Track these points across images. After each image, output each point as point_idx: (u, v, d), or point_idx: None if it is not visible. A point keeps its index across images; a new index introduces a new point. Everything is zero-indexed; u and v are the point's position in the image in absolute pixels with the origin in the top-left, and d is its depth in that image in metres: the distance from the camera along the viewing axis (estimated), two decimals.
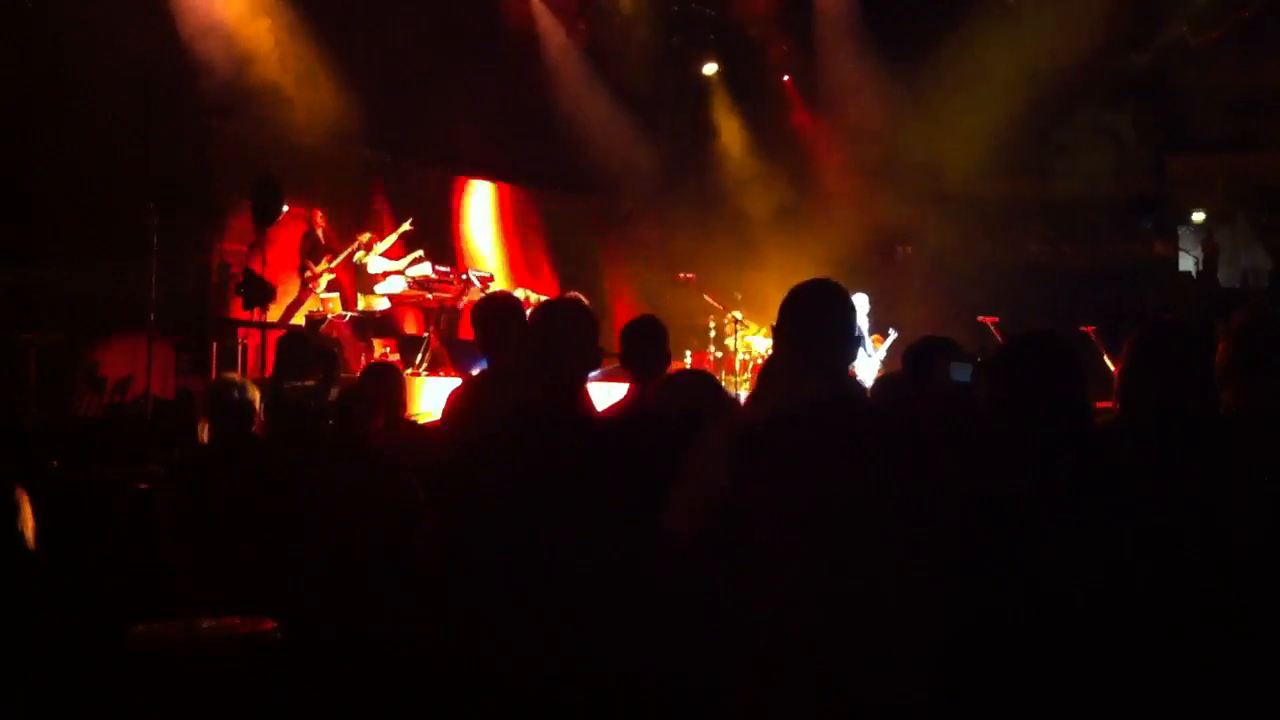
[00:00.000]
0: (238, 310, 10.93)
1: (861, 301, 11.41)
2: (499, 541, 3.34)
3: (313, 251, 11.75)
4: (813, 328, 2.94)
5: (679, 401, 3.84)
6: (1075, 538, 2.84)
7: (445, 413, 4.42)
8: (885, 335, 12.18)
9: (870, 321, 11.79)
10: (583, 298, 5.35)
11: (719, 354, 13.20)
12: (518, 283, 14.37)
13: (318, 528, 4.74)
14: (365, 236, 11.92)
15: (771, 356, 11.51)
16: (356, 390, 5.24)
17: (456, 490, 3.51)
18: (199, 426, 5.37)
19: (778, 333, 3.00)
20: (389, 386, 5.25)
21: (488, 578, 3.34)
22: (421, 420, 6.82)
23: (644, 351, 4.35)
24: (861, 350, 11.34)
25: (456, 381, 10.10)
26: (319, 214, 12.03)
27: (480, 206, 15.28)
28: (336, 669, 4.49)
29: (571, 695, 3.24)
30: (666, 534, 2.89)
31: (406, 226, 12.12)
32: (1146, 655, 2.80)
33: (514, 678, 3.28)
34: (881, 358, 12.07)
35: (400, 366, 8.63)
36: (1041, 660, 2.81)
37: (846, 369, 2.99)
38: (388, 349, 12.31)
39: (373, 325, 11.80)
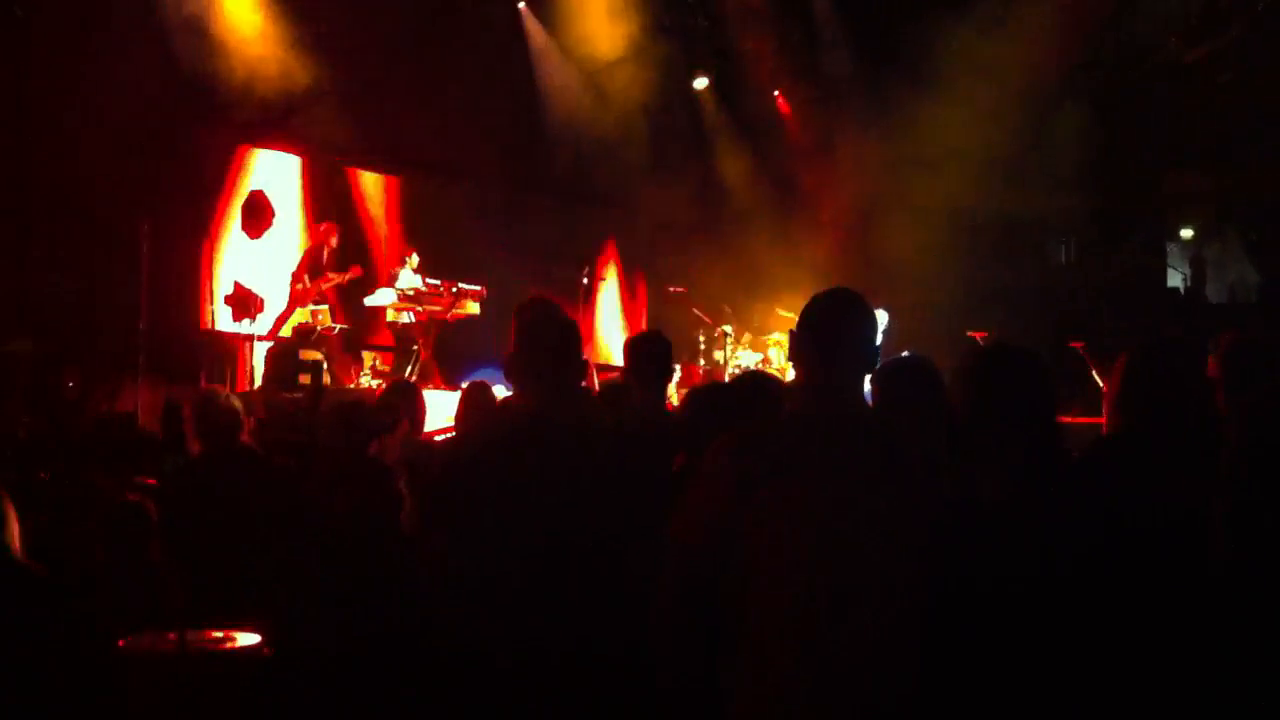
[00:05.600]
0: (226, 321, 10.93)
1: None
2: (512, 551, 3.36)
3: (314, 269, 11.70)
4: (831, 336, 2.94)
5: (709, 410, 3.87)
6: (1037, 546, 2.87)
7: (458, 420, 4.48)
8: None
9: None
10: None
11: (708, 367, 13.23)
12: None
13: (310, 539, 4.73)
14: (353, 274, 11.99)
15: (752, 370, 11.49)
16: (354, 405, 5.25)
17: (467, 501, 3.52)
18: (187, 438, 5.36)
19: (794, 339, 3.01)
20: (409, 405, 5.27)
21: (497, 590, 3.35)
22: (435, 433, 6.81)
23: (648, 364, 4.46)
24: None
25: (445, 393, 10.12)
26: (334, 232, 12.00)
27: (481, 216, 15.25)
28: (327, 683, 4.48)
29: (581, 700, 3.26)
30: (674, 544, 2.90)
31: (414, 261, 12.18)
32: (1120, 662, 2.83)
33: (519, 689, 3.29)
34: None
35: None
36: (1020, 666, 2.84)
37: (861, 379, 3.00)
38: (376, 360, 12.31)
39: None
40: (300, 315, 11.51)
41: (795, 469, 2.79)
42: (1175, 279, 17.20)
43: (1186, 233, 17.67)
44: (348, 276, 11.80)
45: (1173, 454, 3.07)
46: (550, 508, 3.38)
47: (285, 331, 11.36)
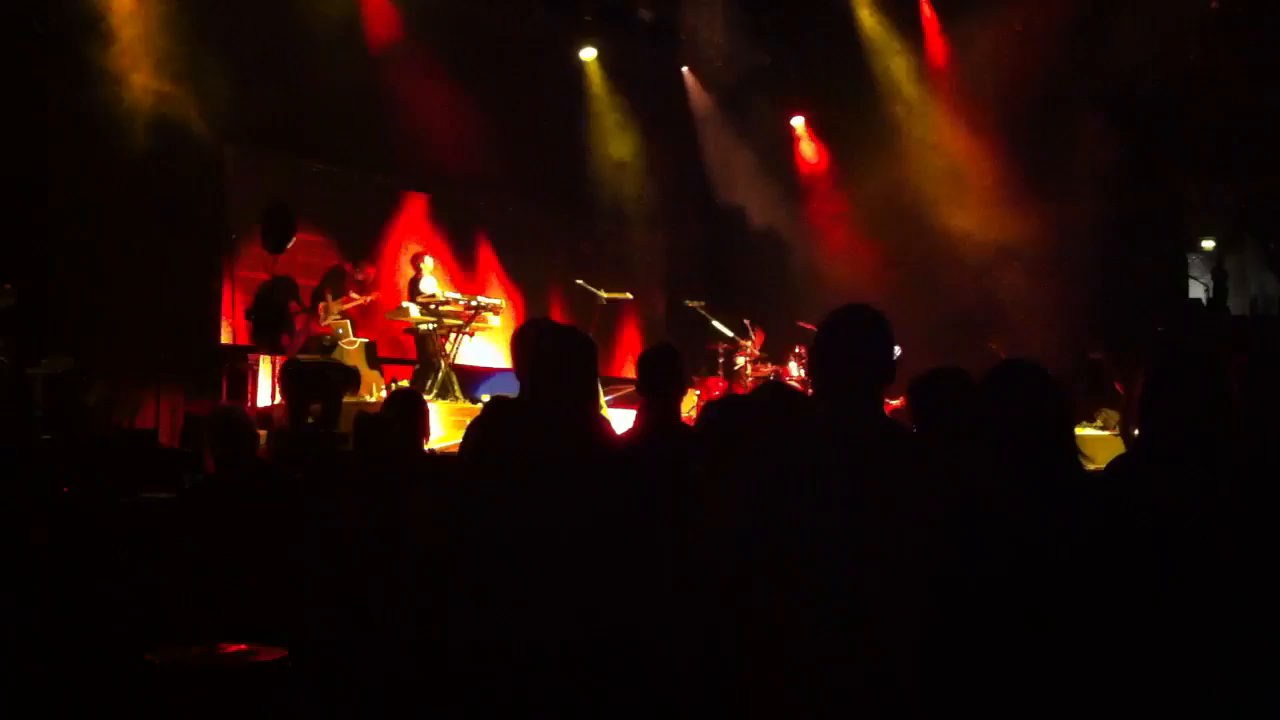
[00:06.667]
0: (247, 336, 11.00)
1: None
2: (528, 562, 3.39)
3: (337, 289, 11.82)
4: (847, 351, 2.99)
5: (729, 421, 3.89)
6: (1037, 551, 2.88)
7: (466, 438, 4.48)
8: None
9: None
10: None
11: (729, 381, 13.21)
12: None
13: (320, 551, 4.75)
14: (374, 297, 12.08)
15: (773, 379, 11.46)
16: (373, 417, 5.25)
17: (480, 513, 3.54)
18: (204, 454, 5.39)
19: (812, 355, 3.07)
20: (411, 414, 5.27)
21: (499, 592, 3.38)
22: (441, 447, 6.83)
23: (661, 378, 4.44)
24: None
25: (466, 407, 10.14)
26: (372, 270, 12.21)
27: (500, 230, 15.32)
28: (341, 691, 4.50)
29: (580, 699, 3.28)
30: (688, 551, 2.95)
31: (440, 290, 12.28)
32: (1119, 665, 2.84)
33: (519, 688, 3.32)
34: None
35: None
36: (1019, 668, 2.84)
37: (881, 392, 3.03)
38: (395, 377, 12.35)
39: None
40: (320, 330, 11.57)
41: (805, 478, 2.86)
42: (1197, 290, 17.10)
43: (1208, 243, 17.55)
44: (369, 299, 11.95)
45: (1187, 463, 3.08)
46: (550, 517, 3.42)
47: (305, 346, 11.40)
